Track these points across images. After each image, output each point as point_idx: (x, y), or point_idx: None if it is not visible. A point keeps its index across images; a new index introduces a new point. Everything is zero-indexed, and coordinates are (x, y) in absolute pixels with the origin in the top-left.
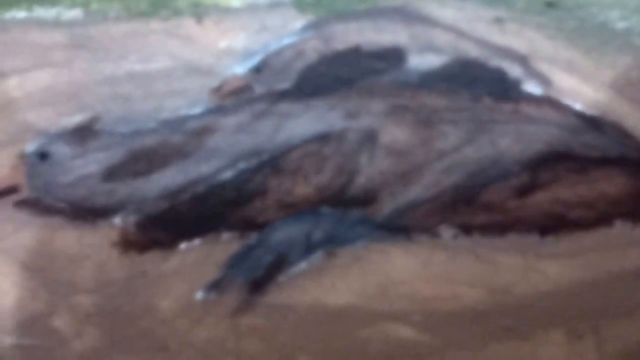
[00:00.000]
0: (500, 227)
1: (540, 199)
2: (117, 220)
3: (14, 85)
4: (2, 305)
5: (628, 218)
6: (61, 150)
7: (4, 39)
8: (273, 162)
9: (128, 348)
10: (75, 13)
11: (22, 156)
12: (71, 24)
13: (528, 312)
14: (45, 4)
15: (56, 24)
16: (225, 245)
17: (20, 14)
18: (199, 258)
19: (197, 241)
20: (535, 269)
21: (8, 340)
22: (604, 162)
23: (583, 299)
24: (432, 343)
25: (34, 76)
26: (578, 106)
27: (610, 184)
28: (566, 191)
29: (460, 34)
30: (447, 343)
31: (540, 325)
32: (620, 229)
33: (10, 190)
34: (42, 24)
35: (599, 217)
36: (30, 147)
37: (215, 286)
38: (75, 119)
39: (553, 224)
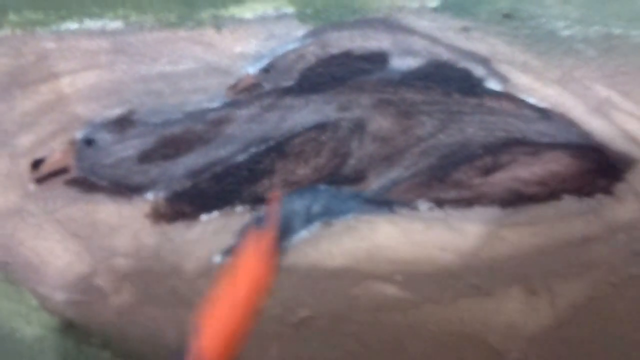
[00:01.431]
0: (467, 201)
1: (501, 177)
2: (149, 195)
3: (66, 84)
4: (55, 267)
5: (574, 193)
6: (104, 137)
7: (58, 46)
8: (279, 147)
9: (157, 303)
10: (117, 24)
11: (72, 142)
12: (114, 33)
13: (492, 273)
14: (93, 16)
15: (102, 33)
16: (239, 216)
17: (72, 25)
18: (217, 227)
19: (215, 213)
20: (497, 236)
21: (59, 295)
22: (554, 146)
23: (538, 261)
24: (412, 299)
25: (83, 76)
26: (531, 100)
27: (559, 164)
28: (522, 170)
29: (434, 40)
30: (424, 299)
31: (502, 284)
32: (567, 202)
33: (62, 171)
34: (90, 33)
35: (550, 192)
36: (79, 134)
37: (230, 251)
38: (116, 111)
39: (512, 198)
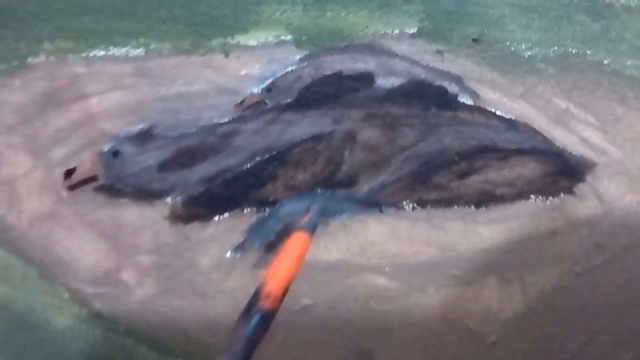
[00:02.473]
0: (447, 202)
1: (475, 180)
2: (168, 199)
3: (94, 103)
4: (85, 263)
5: (540, 193)
6: (128, 149)
7: (88, 70)
8: (280, 156)
9: (176, 294)
10: (139, 51)
11: (100, 154)
12: (136, 59)
13: (469, 264)
14: (117, 45)
15: (125, 59)
16: (247, 217)
17: (100, 52)
18: (227, 227)
19: (226, 215)
20: (473, 232)
21: (89, 289)
22: (520, 152)
23: (510, 254)
24: (400, 288)
25: (109, 96)
26: (499, 112)
27: (526, 168)
28: (493, 174)
29: (413, 62)
30: (410, 288)
31: (479, 274)
32: (534, 201)
33: (91, 179)
34: (115, 59)
35: (518, 193)
36: (106, 147)
37: (240, 248)
38: (138, 126)
39: (485, 199)
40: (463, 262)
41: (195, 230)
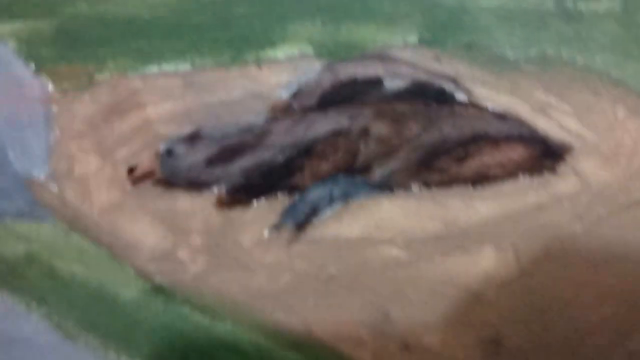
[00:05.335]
0: (448, 183)
1: (471, 164)
2: (215, 189)
3: (150, 111)
4: (147, 245)
5: (527, 173)
6: (180, 149)
7: (144, 84)
8: (306, 150)
9: (223, 269)
10: (186, 66)
11: (156, 153)
12: (184, 73)
13: (469, 236)
14: (168, 61)
15: (175, 73)
16: (281, 202)
17: (153, 68)
18: (265, 210)
19: (263, 200)
20: (471, 208)
21: (151, 266)
22: (509, 139)
23: (504, 225)
24: (410, 257)
25: (162, 105)
26: (490, 106)
27: (514, 152)
28: (487, 158)
29: (415, 66)
30: (419, 257)
31: (477, 244)
32: (522, 180)
33: (150, 174)
34: (166, 74)
35: (509, 173)
36: (161, 147)
37: (276, 228)
38: (187, 130)
39: (480, 179)
40: (463, 233)
41: (237, 214)
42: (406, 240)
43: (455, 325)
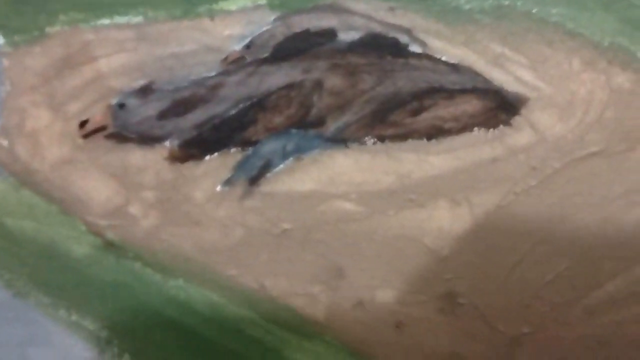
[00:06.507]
0: (402, 136)
1: (426, 117)
2: (167, 143)
3: (102, 64)
4: (98, 200)
5: (482, 125)
6: (132, 102)
7: (96, 37)
8: (259, 103)
9: (175, 224)
10: (138, 19)
11: (109, 107)
12: (136, 25)
13: (423, 189)
14: (121, 14)
15: (127, 26)
16: (233, 156)
17: (106, 21)
18: (217, 165)
19: (215, 154)
20: (426, 161)
21: (102, 222)
22: (464, 91)
23: (458, 179)
24: (364, 211)
25: (115, 58)
26: (444, 58)
27: (469, 105)
28: (441, 111)
29: (369, 18)
30: (373, 211)
31: (432, 198)
32: (477, 133)
33: (102, 128)
34: (119, 26)
35: (463, 126)
36: (113, 101)
37: (228, 182)
38: (140, 82)
39: (435, 132)
40: (417, 187)
41: (190, 169)
42: (360, 194)
43: (410, 281)
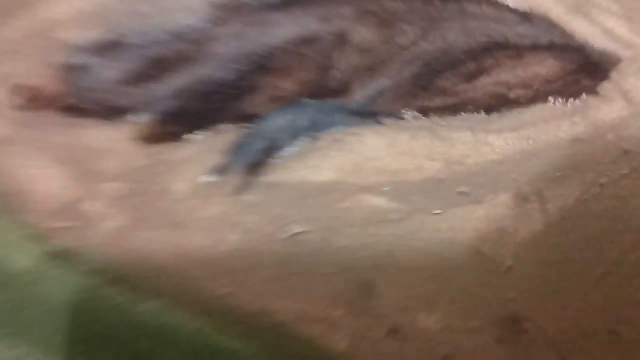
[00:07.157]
0: (453, 108)
1: (485, 83)
2: (137, 118)
3: (48, 9)
4: (43, 195)
5: (559, 94)
6: (88, 61)
7: None
8: (262, 63)
9: (148, 226)
10: None
11: (58, 68)
12: None
13: (480, 180)
14: None
15: None
16: (225, 135)
17: None
18: (204, 147)
19: (202, 132)
20: (484, 142)
21: (50, 223)
22: (536, 48)
23: (526, 166)
24: (402, 209)
25: (66, 1)
26: (511, 3)
27: (543, 66)
28: (506, 74)
29: None
30: (414, 209)
31: (491, 191)
32: (553, 104)
33: (49, 97)
34: None
35: (535, 95)
36: (65, 60)
37: (219, 170)
38: (101, 35)
39: (497, 103)
40: (472, 177)
41: (167, 152)
42: (396, 187)
43: (460, 302)
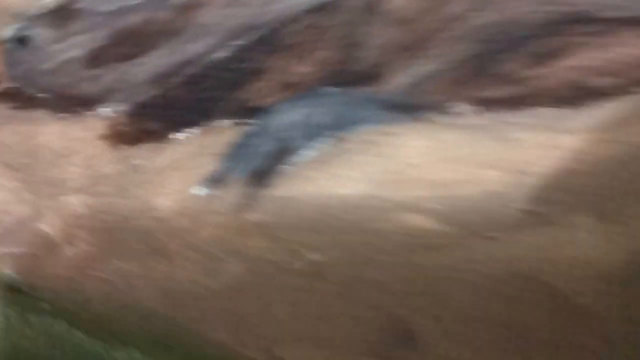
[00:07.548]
0: (516, 101)
1: (559, 67)
2: (105, 109)
3: None
4: None
5: None
6: (41, 33)
7: None
8: (267, 38)
9: (124, 252)
10: None
11: (0, 43)
12: None
13: (551, 194)
14: None
15: None
16: (222, 133)
17: None
18: (193, 149)
19: (191, 130)
20: (556, 146)
21: None
22: (629, 22)
23: (610, 177)
24: (452, 232)
25: None
26: None
27: (636, 48)
28: (587, 57)
29: None
30: (468, 232)
31: (565, 208)
32: None
33: None
34: None
35: (624, 85)
36: (8, 32)
37: (215, 180)
38: (52, 0)
39: (573, 95)
40: (542, 191)
41: (146, 156)
42: (444, 202)
43: (529, 352)
